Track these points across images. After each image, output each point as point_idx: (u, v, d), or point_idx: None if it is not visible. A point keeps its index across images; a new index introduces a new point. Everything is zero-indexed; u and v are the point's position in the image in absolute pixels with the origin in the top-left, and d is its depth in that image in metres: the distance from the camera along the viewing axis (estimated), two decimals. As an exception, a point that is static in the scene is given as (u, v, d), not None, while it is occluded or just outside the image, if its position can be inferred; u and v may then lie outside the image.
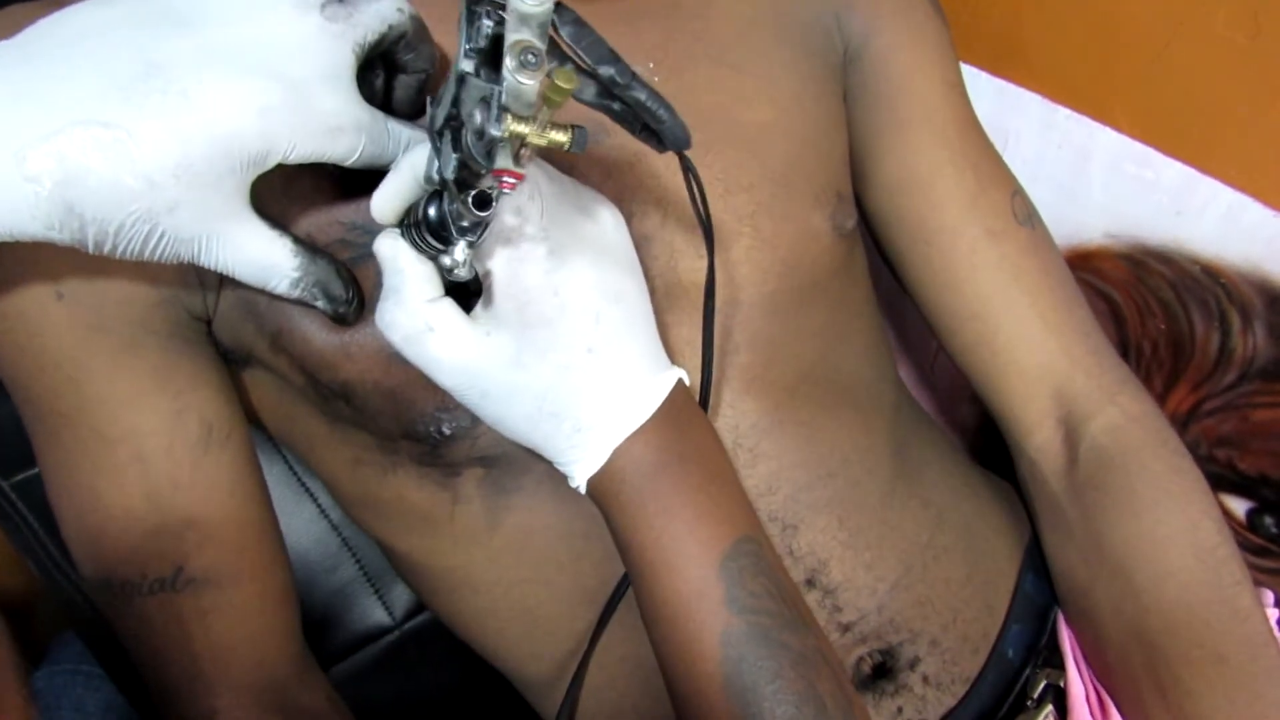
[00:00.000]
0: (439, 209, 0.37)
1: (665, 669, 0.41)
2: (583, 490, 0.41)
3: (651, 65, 0.50)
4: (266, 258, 0.38)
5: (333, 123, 0.36)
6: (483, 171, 0.32)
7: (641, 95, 0.33)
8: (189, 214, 0.35)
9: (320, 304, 0.42)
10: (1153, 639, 0.50)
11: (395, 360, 0.45)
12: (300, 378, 0.47)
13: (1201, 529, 0.52)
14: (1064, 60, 0.67)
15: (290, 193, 0.43)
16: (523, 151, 0.31)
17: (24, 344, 0.43)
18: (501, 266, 0.38)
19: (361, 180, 0.42)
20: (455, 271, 0.37)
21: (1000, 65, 0.71)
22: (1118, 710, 0.52)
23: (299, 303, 0.43)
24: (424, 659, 0.71)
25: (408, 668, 0.71)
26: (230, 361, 0.49)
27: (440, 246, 0.37)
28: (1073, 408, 0.56)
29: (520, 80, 0.28)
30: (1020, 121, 0.70)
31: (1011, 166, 0.61)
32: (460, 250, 0.36)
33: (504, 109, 0.29)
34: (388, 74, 0.43)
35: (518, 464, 0.49)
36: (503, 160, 0.31)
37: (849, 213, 0.56)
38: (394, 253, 0.39)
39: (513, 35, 0.28)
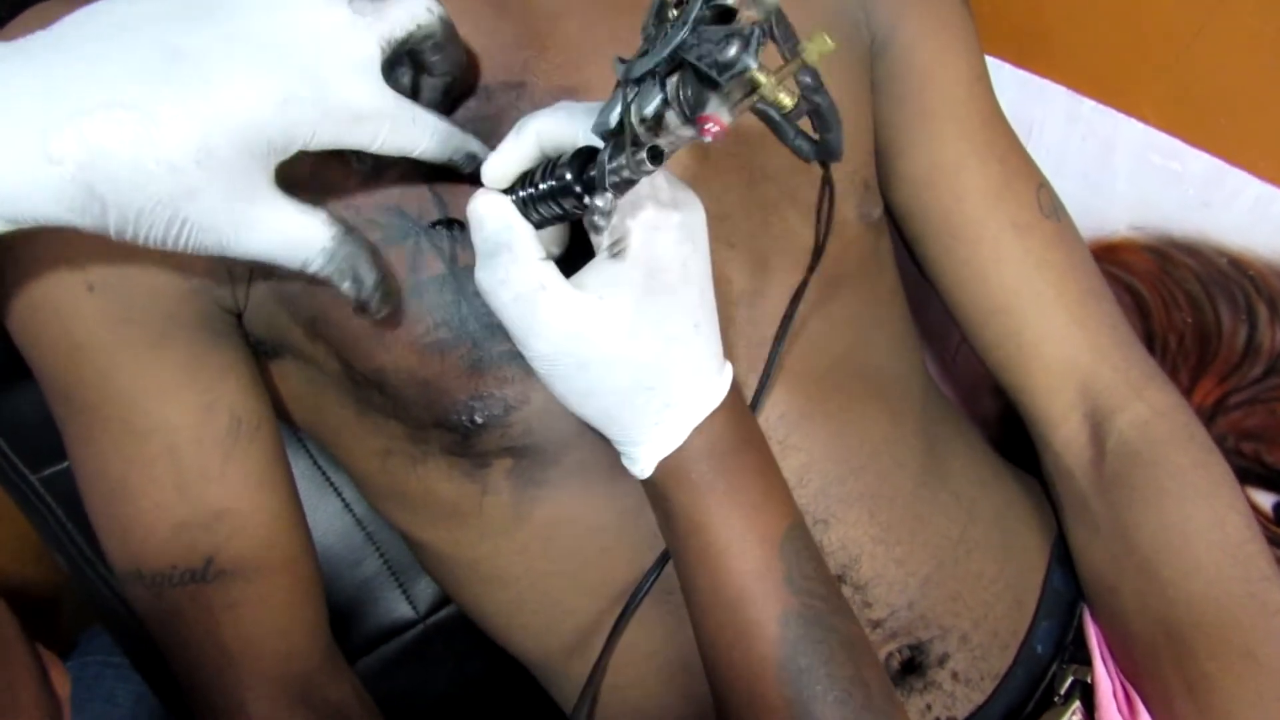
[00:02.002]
0: (574, 171, 0.36)
1: (716, 652, 0.42)
2: (646, 473, 0.41)
3: None
4: (298, 232, 0.37)
5: (355, 110, 0.36)
6: (677, 124, 0.32)
7: (824, 103, 0.35)
8: (210, 199, 0.34)
9: (347, 285, 0.40)
10: (1180, 634, 0.50)
11: (429, 350, 0.45)
12: (335, 364, 0.47)
13: (1229, 523, 0.51)
14: (1089, 51, 0.67)
15: (320, 176, 0.43)
16: (737, 107, 0.32)
17: (56, 337, 0.43)
18: (640, 233, 0.38)
19: (393, 162, 0.42)
20: (598, 219, 0.36)
21: (1024, 56, 0.70)
22: (1145, 706, 0.52)
23: (329, 282, 0.41)
24: (448, 652, 0.71)
25: (432, 661, 0.71)
26: (260, 353, 0.49)
27: (558, 211, 0.37)
28: (1099, 402, 0.56)
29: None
30: (1044, 113, 0.70)
31: (1035, 158, 0.60)
32: (608, 199, 0.35)
33: (761, 43, 0.30)
34: (414, 73, 0.43)
35: (547, 455, 0.49)
36: (715, 107, 0.31)
37: (875, 201, 0.56)
38: (500, 209, 0.38)
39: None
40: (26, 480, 0.61)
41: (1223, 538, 0.51)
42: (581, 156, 0.37)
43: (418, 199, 0.45)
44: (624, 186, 0.35)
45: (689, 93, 0.31)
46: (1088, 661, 0.55)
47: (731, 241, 0.50)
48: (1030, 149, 0.60)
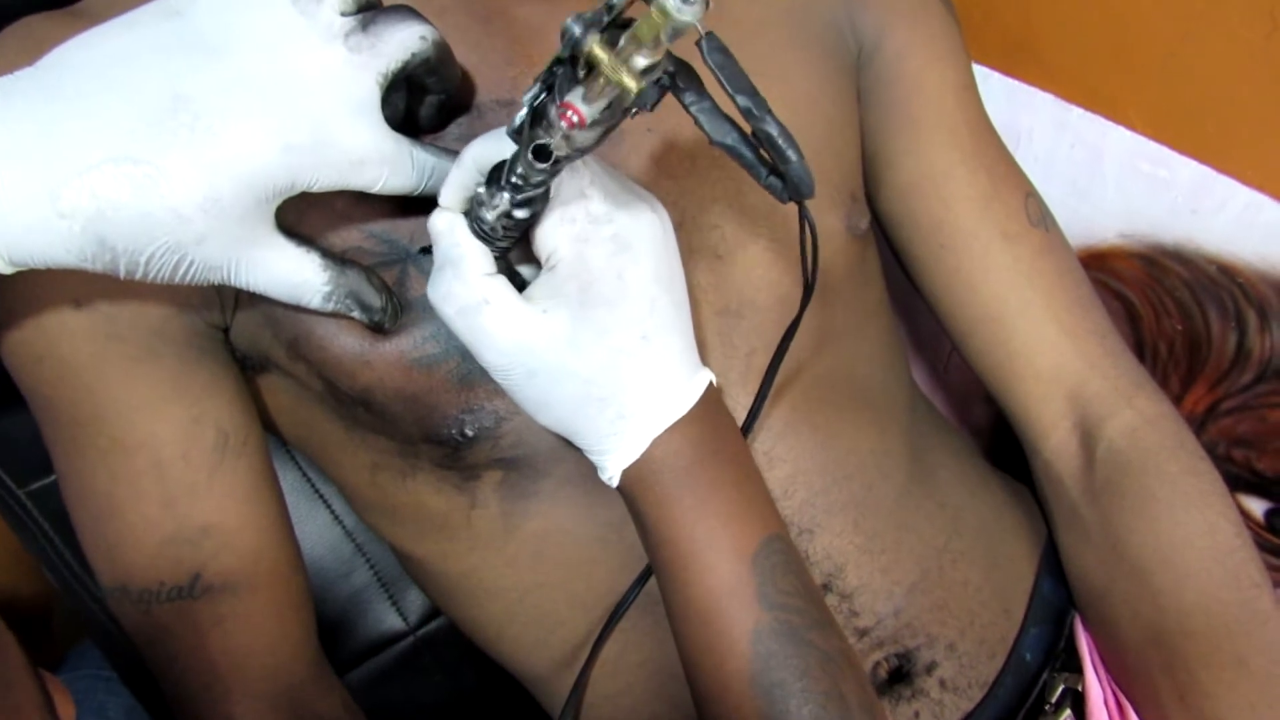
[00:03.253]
0: (497, 186, 0.37)
1: (690, 666, 0.41)
2: (615, 482, 0.41)
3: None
4: (296, 275, 0.39)
5: (356, 156, 0.37)
6: (555, 116, 0.33)
7: (773, 130, 0.34)
8: (217, 244, 0.35)
9: (356, 314, 0.42)
10: (1171, 642, 0.50)
11: (416, 366, 0.46)
12: (319, 383, 0.47)
13: (1220, 531, 0.51)
14: (1076, 59, 0.67)
15: (307, 197, 0.44)
16: (595, 85, 0.32)
17: (43, 354, 0.43)
18: (567, 245, 0.38)
19: None
20: (484, 212, 0.37)
21: (1012, 65, 0.70)
22: (1136, 714, 0.52)
23: (335, 315, 0.43)
24: (438, 664, 0.71)
25: (422, 673, 0.71)
26: (247, 368, 0.49)
27: (497, 235, 0.38)
28: (1088, 410, 0.56)
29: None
30: (1032, 121, 0.70)
31: (1024, 166, 0.60)
32: (505, 199, 0.36)
33: (599, 27, 0.30)
34: (411, 91, 0.43)
35: (536, 467, 0.49)
36: (576, 95, 0.32)
37: (862, 213, 0.56)
38: (450, 227, 0.39)
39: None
40: (14, 495, 0.60)
41: (1213, 545, 0.51)
42: (494, 173, 0.37)
43: (410, 225, 0.46)
44: (525, 188, 0.36)
45: (563, 83, 0.32)
46: (1079, 670, 0.55)
47: (719, 253, 0.50)
48: (1019, 157, 0.61)
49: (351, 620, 0.69)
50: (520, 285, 0.40)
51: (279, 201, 0.37)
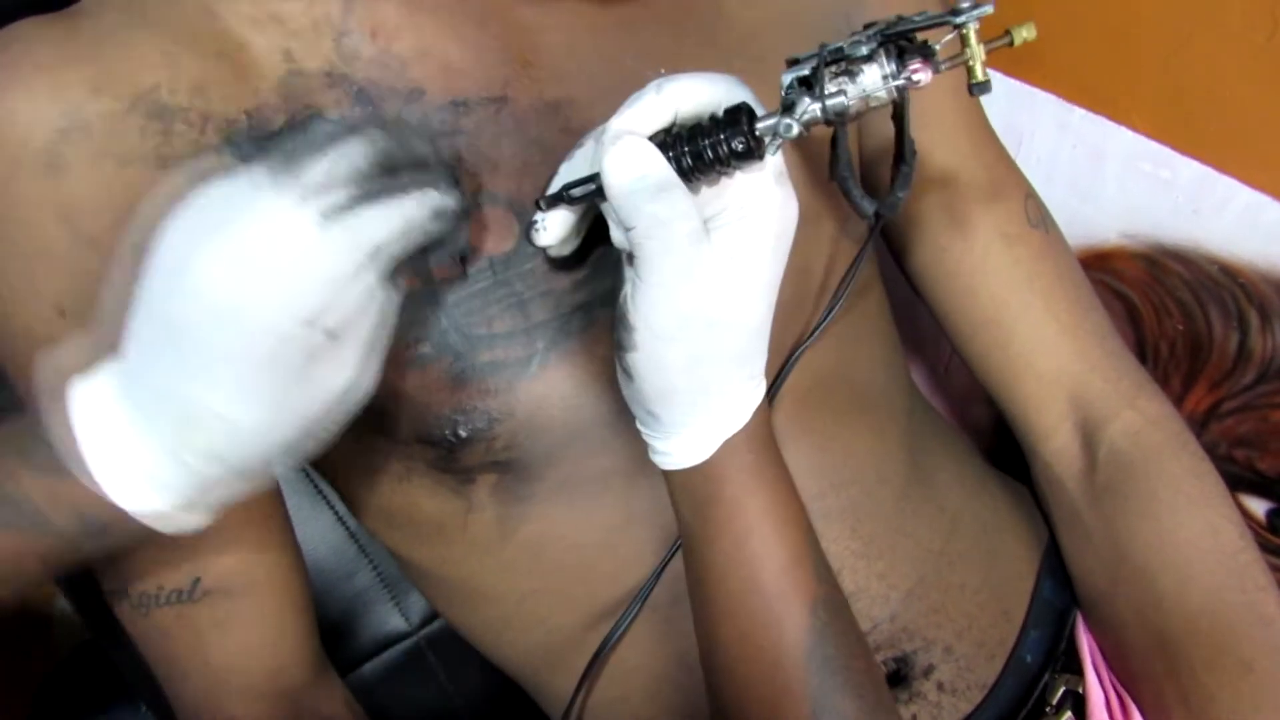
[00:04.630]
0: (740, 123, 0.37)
1: (737, 646, 0.42)
2: (709, 451, 0.40)
3: (663, 71, 0.50)
4: None
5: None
6: (874, 76, 0.36)
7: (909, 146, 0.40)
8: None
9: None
10: (1175, 645, 0.50)
11: (411, 365, 0.45)
12: None
13: (1223, 533, 0.51)
14: (1078, 60, 0.67)
15: None
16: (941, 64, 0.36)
17: (30, 361, 0.43)
18: (778, 192, 0.37)
19: None
20: (793, 120, 0.36)
21: (1013, 65, 0.70)
22: (1140, 715, 0.52)
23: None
24: (441, 665, 0.71)
25: (424, 674, 0.71)
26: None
27: (706, 163, 0.37)
28: (1090, 411, 0.56)
29: None
30: (1034, 122, 0.70)
31: (1025, 167, 0.60)
32: (788, 125, 0.36)
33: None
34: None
35: (531, 471, 0.49)
36: (918, 64, 0.36)
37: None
38: (654, 152, 0.36)
39: None
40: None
41: (1217, 546, 0.51)
42: (734, 114, 0.37)
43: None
44: (746, 154, 0.36)
45: (900, 52, 0.36)
46: (1079, 671, 0.54)
47: None
48: (1020, 158, 0.60)
49: (354, 620, 0.70)
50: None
51: None
